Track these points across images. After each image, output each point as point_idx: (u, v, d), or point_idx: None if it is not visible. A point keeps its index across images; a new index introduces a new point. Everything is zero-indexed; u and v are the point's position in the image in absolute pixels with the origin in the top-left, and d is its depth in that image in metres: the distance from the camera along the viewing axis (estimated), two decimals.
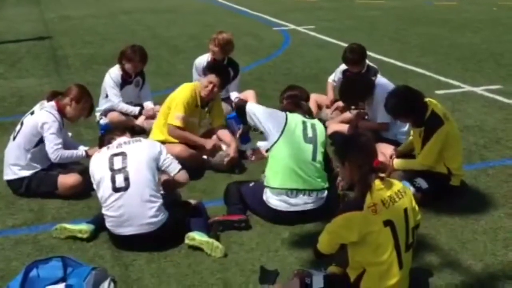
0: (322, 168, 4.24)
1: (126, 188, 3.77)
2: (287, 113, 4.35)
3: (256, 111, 4.37)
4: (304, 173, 4.15)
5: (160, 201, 3.84)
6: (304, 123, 4.30)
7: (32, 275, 3.26)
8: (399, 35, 11.50)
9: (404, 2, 16.21)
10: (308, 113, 4.47)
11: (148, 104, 6.28)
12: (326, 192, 4.23)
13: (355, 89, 5.20)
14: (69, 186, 4.57)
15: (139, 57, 6.10)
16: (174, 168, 4.00)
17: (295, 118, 4.31)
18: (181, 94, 5.15)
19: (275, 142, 4.22)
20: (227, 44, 6.30)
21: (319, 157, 4.23)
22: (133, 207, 3.76)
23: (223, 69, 5.52)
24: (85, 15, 14.12)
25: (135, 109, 6.13)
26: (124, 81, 6.16)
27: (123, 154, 3.86)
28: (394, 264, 3.02)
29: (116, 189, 3.78)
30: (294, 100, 4.56)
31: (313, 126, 4.32)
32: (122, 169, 3.80)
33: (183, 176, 4.05)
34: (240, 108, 4.62)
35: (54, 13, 14.51)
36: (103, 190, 3.82)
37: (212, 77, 5.17)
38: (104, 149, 4.00)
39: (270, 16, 13.94)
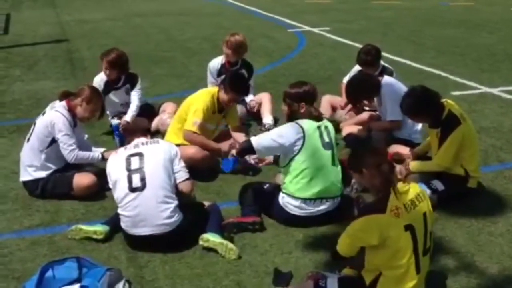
0: (340, 171, 4.21)
1: (142, 188, 3.80)
2: (300, 123, 4.15)
3: (264, 143, 4.19)
4: (325, 180, 4.10)
5: (175, 202, 3.86)
6: (319, 128, 4.19)
7: (48, 276, 3.29)
8: (414, 36, 11.42)
9: (419, 2, 16.12)
10: (320, 114, 4.35)
11: (127, 117, 5.86)
12: (340, 196, 4.22)
13: (359, 87, 5.19)
14: (85, 187, 4.60)
15: (109, 60, 5.84)
16: (181, 176, 4.03)
17: (310, 126, 4.17)
18: (200, 101, 5.11)
19: (296, 155, 4.09)
20: (240, 46, 6.29)
21: (337, 160, 4.21)
22: (148, 208, 3.78)
23: (244, 88, 5.36)
24: (101, 18, 14.22)
25: None
26: (110, 87, 6.00)
27: (140, 155, 3.91)
28: (412, 268, 3.00)
29: (132, 189, 3.81)
30: (310, 103, 4.30)
31: (326, 129, 4.25)
32: (139, 169, 3.84)
33: (187, 185, 4.07)
34: (247, 150, 4.36)
35: (71, 16, 14.64)
36: (119, 190, 3.85)
37: (233, 96, 5.12)
38: (121, 149, 4.05)
39: (285, 17, 13.93)
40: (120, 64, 5.94)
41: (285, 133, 4.14)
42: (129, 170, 3.85)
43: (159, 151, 3.98)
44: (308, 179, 4.09)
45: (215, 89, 5.27)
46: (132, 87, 6.07)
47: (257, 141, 4.25)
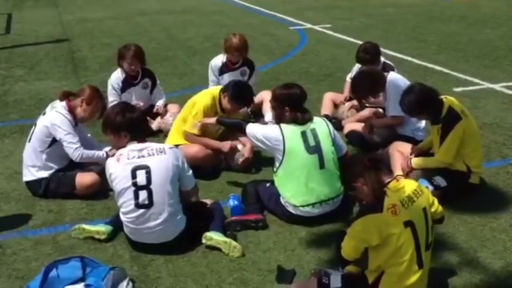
0: (334, 171, 4.17)
1: (149, 206, 3.73)
2: (282, 129, 4.15)
3: (254, 133, 4.26)
4: (318, 184, 4.10)
5: (181, 212, 3.84)
6: (303, 134, 4.14)
7: (52, 275, 3.31)
8: (416, 33, 11.40)
9: None
10: (307, 118, 4.23)
11: (159, 103, 6.26)
12: (342, 194, 4.21)
13: (365, 83, 5.17)
14: (87, 185, 4.61)
15: (133, 53, 5.93)
16: (189, 183, 3.99)
17: (293, 132, 4.14)
18: (202, 103, 5.07)
19: (280, 164, 4.14)
20: (241, 48, 6.26)
21: (328, 163, 4.14)
22: (154, 225, 3.75)
23: (248, 99, 5.33)
24: (102, 17, 14.22)
25: None
26: (128, 83, 6.07)
27: (146, 168, 3.74)
28: (414, 264, 3.01)
29: (139, 206, 3.74)
30: (294, 107, 4.22)
31: (313, 131, 4.17)
32: (146, 186, 3.72)
33: (192, 192, 4.07)
34: (237, 128, 4.58)
35: (72, 15, 14.64)
36: (125, 202, 3.78)
37: (236, 106, 5.10)
38: (124, 157, 3.79)
39: (286, 15, 13.91)
40: (143, 55, 6.09)
41: (267, 134, 4.21)
42: (135, 185, 3.72)
43: (166, 166, 3.78)
44: (296, 187, 4.10)
45: (217, 90, 5.23)
46: (153, 81, 6.23)
47: (251, 128, 4.33)
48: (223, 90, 5.12)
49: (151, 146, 3.87)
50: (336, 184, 4.17)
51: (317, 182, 4.11)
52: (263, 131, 4.26)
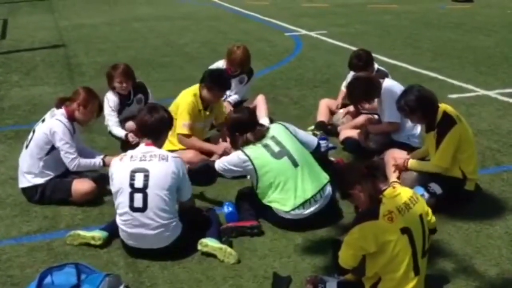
0: (310, 165, 4.26)
1: (143, 209, 3.72)
2: (245, 151, 4.22)
3: (222, 166, 4.34)
4: (300, 181, 4.14)
5: (176, 219, 3.82)
6: (265, 146, 4.22)
7: (46, 282, 3.29)
8: (412, 39, 11.44)
9: (416, 6, 16.14)
10: (260, 134, 4.29)
11: None
12: (328, 185, 4.25)
13: (360, 88, 5.18)
14: (83, 193, 4.60)
15: (121, 70, 5.72)
16: (186, 195, 3.96)
17: (255, 149, 4.22)
18: (184, 103, 5.17)
19: (257, 181, 4.17)
20: (244, 62, 6.28)
21: (300, 159, 4.22)
22: (148, 229, 3.74)
23: (225, 82, 5.39)
24: (99, 23, 14.22)
25: (122, 133, 5.64)
26: (123, 103, 5.85)
27: (145, 172, 3.73)
28: (410, 271, 3.02)
29: (133, 209, 3.73)
30: (246, 131, 4.30)
31: (273, 139, 4.26)
32: (142, 190, 3.71)
33: (191, 203, 4.06)
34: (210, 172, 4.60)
35: (68, 21, 14.63)
36: (121, 203, 3.79)
37: (216, 92, 5.20)
38: (127, 158, 3.83)
39: (282, 21, 13.94)
40: (132, 72, 5.88)
41: (232, 161, 4.30)
42: (132, 186, 3.72)
43: (165, 172, 3.75)
44: (280, 194, 4.14)
45: (196, 87, 5.30)
46: (145, 96, 5.96)
47: (217, 164, 4.42)
48: (200, 82, 5.24)
49: (155, 151, 3.87)
50: (317, 176, 4.24)
51: (299, 180, 4.15)
52: (228, 160, 4.34)
